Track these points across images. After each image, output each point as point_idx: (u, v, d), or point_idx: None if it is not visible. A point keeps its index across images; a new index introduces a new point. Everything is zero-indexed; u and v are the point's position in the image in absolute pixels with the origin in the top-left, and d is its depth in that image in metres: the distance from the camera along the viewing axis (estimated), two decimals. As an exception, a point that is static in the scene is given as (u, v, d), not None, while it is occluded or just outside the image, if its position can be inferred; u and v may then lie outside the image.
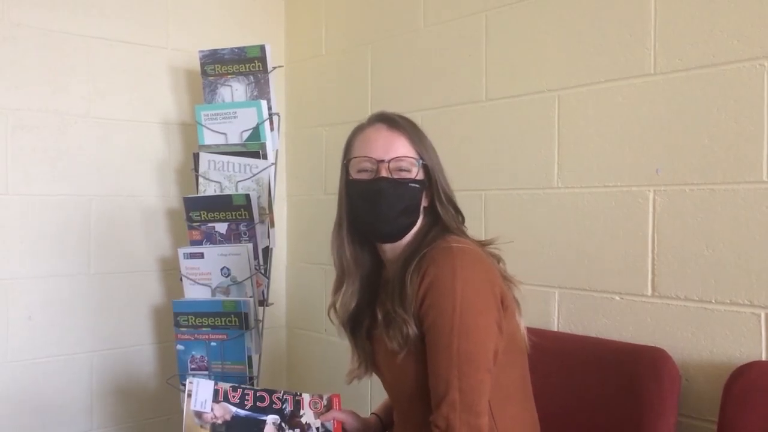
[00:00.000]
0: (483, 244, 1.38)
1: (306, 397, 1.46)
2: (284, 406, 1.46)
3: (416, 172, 1.36)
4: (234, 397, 1.47)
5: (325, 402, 1.46)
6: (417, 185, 1.37)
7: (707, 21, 1.53)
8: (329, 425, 1.45)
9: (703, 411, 1.52)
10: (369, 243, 1.45)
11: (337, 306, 1.46)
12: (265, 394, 1.48)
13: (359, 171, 1.38)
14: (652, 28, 1.62)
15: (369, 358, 1.46)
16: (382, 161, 1.35)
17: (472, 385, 1.23)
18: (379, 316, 1.36)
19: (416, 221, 1.39)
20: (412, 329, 1.28)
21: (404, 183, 1.36)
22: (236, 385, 1.51)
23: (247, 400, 1.47)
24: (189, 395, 1.48)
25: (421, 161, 1.37)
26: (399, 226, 1.37)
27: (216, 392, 1.48)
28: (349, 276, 1.44)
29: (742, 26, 1.47)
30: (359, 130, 1.43)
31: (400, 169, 1.36)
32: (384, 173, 1.35)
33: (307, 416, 1.46)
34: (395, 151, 1.36)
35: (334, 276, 1.48)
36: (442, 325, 1.25)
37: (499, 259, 1.39)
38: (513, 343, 1.34)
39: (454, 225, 1.39)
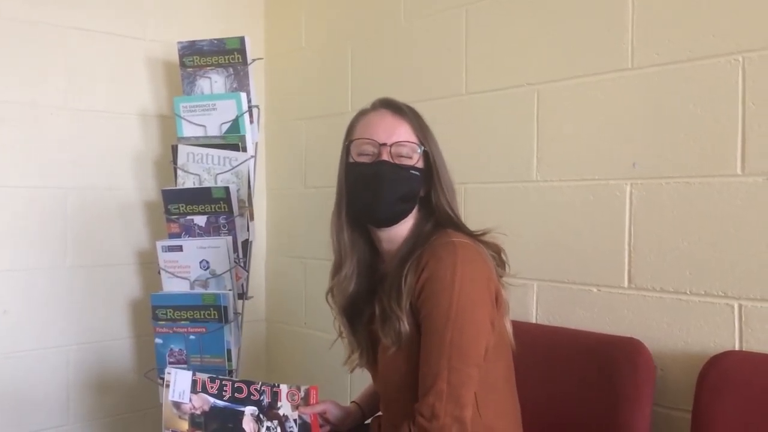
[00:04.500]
0: (479, 235, 1.38)
1: (284, 389, 1.47)
2: (262, 397, 1.46)
3: (417, 159, 1.37)
4: (212, 387, 1.48)
5: (302, 394, 1.46)
6: (417, 173, 1.37)
7: (684, 16, 1.55)
8: (306, 417, 1.46)
9: (677, 400, 1.54)
10: (365, 230, 1.44)
11: (335, 290, 1.46)
12: (243, 386, 1.48)
13: (360, 154, 1.38)
14: (629, 22, 1.64)
15: (370, 349, 1.46)
16: (384, 145, 1.36)
17: (461, 379, 1.24)
18: (377, 311, 1.37)
19: (412, 209, 1.39)
20: (404, 327, 1.30)
21: (405, 168, 1.36)
22: (214, 375, 1.51)
23: (226, 390, 1.48)
24: (167, 386, 1.48)
25: (422, 149, 1.38)
26: (395, 212, 1.37)
27: (194, 383, 1.48)
28: (346, 260, 1.44)
29: (719, 21, 1.49)
30: (363, 114, 1.43)
31: (401, 155, 1.36)
32: (385, 157, 1.35)
33: (285, 408, 1.46)
34: (398, 135, 1.36)
35: (332, 260, 1.48)
36: (437, 318, 1.26)
37: (499, 250, 1.39)
38: (501, 338, 1.36)
39: (450, 217, 1.39)
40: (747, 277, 1.45)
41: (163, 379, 2.13)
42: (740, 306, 1.47)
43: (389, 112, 1.40)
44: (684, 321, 1.55)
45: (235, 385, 1.48)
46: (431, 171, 1.39)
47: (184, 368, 2.09)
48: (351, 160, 1.40)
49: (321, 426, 1.51)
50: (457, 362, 1.24)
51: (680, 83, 1.55)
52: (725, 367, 1.40)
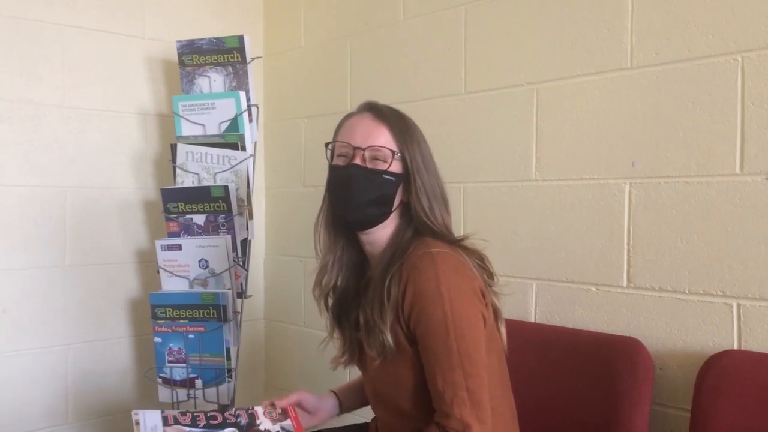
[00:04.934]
0: (460, 241, 1.38)
1: (259, 410, 1.45)
2: (239, 420, 1.44)
3: (392, 164, 1.36)
4: (185, 419, 1.41)
5: (279, 410, 1.46)
6: (391, 177, 1.36)
7: (683, 16, 1.55)
8: (289, 427, 1.45)
9: (676, 399, 1.55)
10: (352, 231, 1.44)
11: (319, 286, 1.47)
12: (217, 414, 1.43)
13: (338, 156, 1.40)
14: (629, 22, 1.64)
15: (356, 350, 1.46)
16: (359, 148, 1.36)
17: (477, 382, 1.26)
18: (361, 320, 1.37)
19: (387, 213, 1.38)
20: (388, 341, 1.30)
21: (377, 173, 1.35)
22: (184, 410, 1.45)
23: (199, 420, 1.42)
24: (137, 423, 1.38)
25: (399, 155, 1.36)
26: (367, 216, 1.37)
27: (165, 419, 1.40)
28: (325, 256, 1.45)
29: (717, 21, 1.50)
30: (348, 116, 1.44)
31: (375, 159, 1.36)
32: (358, 160, 1.36)
33: (265, 424, 1.44)
34: (374, 140, 1.36)
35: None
36: (436, 332, 1.26)
37: (482, 257, 1.38)
38: (491, 336, 1.36)
39: (428, 224, 1.37)
40: (746, 276, 1.46)
41: (162, 378, 2.15)
42: (739, 305, 1.47)
43: (370, 115, 1.39)
44: (683, 320, 1.55)
45: (209, 414, 1.43)
46: (409, 177, 1.38)
47: (182, 368, 2.11)
48: (332, 162, 1.42)
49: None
50: (470, 368, 1.26)
51: (679, 83, 1.55)
52: (724, 366, 1.41)
